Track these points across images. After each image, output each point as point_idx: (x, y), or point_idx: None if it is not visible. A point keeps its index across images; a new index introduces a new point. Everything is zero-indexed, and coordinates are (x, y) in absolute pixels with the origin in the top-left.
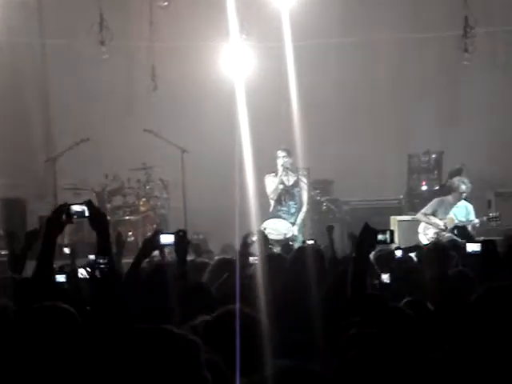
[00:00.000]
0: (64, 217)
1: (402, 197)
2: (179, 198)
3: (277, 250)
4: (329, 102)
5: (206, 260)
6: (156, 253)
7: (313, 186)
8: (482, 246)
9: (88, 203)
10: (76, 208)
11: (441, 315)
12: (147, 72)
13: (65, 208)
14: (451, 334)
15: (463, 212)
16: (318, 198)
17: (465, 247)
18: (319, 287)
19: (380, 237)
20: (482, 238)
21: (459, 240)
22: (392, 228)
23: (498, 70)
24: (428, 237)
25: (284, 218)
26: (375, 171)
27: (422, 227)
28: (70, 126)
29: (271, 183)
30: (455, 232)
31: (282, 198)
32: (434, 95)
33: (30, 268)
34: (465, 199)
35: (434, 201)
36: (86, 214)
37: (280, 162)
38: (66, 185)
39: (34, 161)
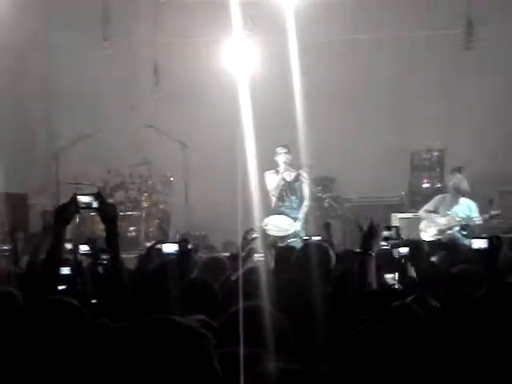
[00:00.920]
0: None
1: (403, 194)
2: (181, 194)
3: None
4: (332, 99)
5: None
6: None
7: (315, 182)
8: (489, 242)
9: (97, 195)
10: (84, 199)
11: (447, 312)
12: (150, 68)
13: (73, 199)
14: (458, 331)
15: (465, 209)
16: (320, 194)
17: (470, 243)
18: (325, 284)
19: (386, 233)
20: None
21: (461, 237)
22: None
23: (500, 67)
24: (429, 234)
25: (286, 214)
26: (377, 168)
27: (423, 224)
28: (72, 121)
29: (272, 180)
30: (461, 231)
31: (284, 194)
32: (436, 92)
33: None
34: (467, 197)
35: (436, 198)
36: (94, 205)
37: (280, 158)
38: (68, 180)
39: (36, 155)
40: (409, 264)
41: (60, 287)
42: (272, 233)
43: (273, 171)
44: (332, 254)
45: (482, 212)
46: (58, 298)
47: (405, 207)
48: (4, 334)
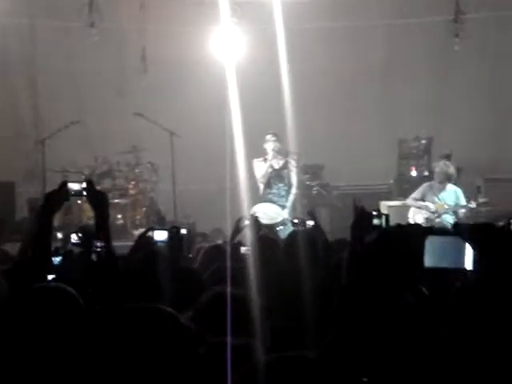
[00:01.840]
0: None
1: (391, 182)
2: (169, 182)
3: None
4: (320, 86)
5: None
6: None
7: (303, 170)
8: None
9: (87, 182)
10: (74, 186)
11: (435, 300)
12: (137, 55)
13: (63, 186)
14: (446, 319)
15: (452, 196)
16: (308, 182)
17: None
18: (313, 273)
19: (376, 221)
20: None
21: (450, 225)
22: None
23: (488, 55)
24: (418, 222)
25: (274, 201)
26: (365, 156)
27: (411, 212)
28: (59, 108)
29: (260, 167)
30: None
31: (272, 181)
32: (423, 80)
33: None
34: (454, 184)
35: (423, 186)
36: (84, 192)
37: (269, 146)
38: (55, 167)
39: (22, 143)
40: None
41: (50, 276)
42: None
43: (261, 159)
44: (320, 241)
45: (469, 199)
46: (55, 285)
47: (393, 195)
48: None
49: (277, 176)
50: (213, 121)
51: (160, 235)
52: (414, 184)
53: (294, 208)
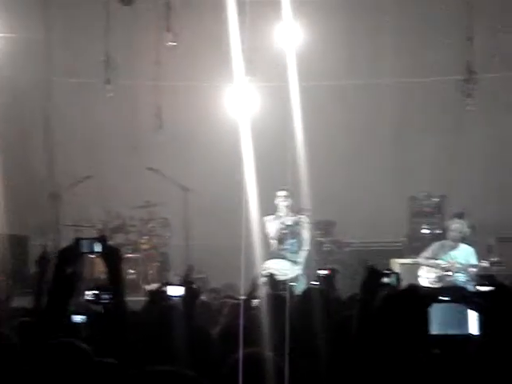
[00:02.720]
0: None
1: (403, 239)
2: (181, 237)
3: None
4: (332, 144)
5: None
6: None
7: (315, 226)
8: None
9: (101, 239)
10: (87, 243)
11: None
12: (152, 111)
13: (77, 243)
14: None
15: (464, 255)
16: (320, 238)
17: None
18: (325, 330)
19: (386, 280)
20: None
21: (461, 283)
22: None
23: (500, 113)
24: (429, 280)
25: (286, 257)
26: (377, 213)
27: (422, 271)
28: (73, 163)
29: (271, 224)
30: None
31: (284, 237)
32: (436, 137)
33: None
34: (467, 243)
35: (435, 244)
36: (97, 249)
37: (281, 202)
38: (69, 222)
39: (36, 198)
40: None
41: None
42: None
43: (273, 216)
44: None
45: (480, 258)
46: (69, 342)
47: (405, 253)
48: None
49: (289, 232)
50: (226, 177)
51: (174, 291)
52: (426, 242)
53: (306, 265)
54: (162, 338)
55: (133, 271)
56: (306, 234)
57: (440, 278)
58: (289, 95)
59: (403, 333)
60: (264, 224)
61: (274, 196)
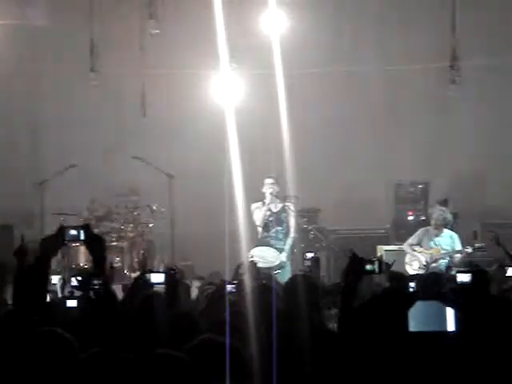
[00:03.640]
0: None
1: (388, 226)
2: (166, 224)
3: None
4: (317, 131)
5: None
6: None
7: (300, 214)
8: (473, 276)
9: (85, 227)
10: (71, 231)
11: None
12: (136, 99)
13: (61, 231)
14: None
15: (448, 241)
16: (305, 226)
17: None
18: (312, 317)
19: (368, 267)
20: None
21: (444, 271)
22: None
23: (484, 101)
24: (414, 267)
25: (272, 244)
26: (362, 200)
27: (408, 258)
28: (57, 151)
29: (258, 211)
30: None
31: (270, 225)
32: (420, 125)
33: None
34: (450, 229)
35: (419, 231)
36: (82, 237)
37: (267, 189)
38: (53, 210)
39: (20, 186)
40: None
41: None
42: (258, 264)
43: (259, 203)
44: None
45: (464, 244)
46: (49, 330)
47: (390, 239)
48: None
49: (275, 219)
50: (211, 164)
51: (157, 278)
52: (411, 229)
53: (292, 252)
54: (145, 325)
55: (118, 259)
56: (292, 221)
57: (425, 265)
58: (274, 83)
59: (383, 330)
60: (250, 211)
61: (260, 183)
